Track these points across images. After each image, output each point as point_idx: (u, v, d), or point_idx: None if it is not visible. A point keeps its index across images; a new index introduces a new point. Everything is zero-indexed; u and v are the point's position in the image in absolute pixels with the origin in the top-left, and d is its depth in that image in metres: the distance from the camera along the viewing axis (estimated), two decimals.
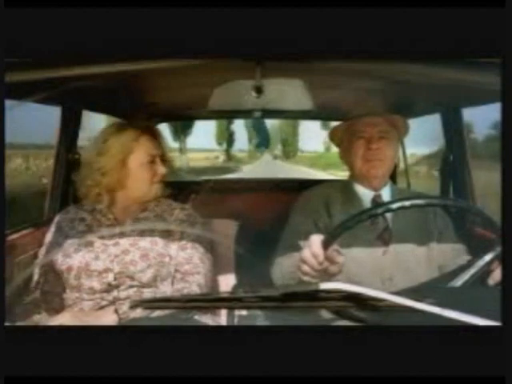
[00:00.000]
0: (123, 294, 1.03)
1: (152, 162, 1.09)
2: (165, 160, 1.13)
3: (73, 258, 1.05)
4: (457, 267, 0.92)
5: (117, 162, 1.06)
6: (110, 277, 1.03)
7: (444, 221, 1.15)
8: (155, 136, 1.12)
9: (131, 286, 1.03)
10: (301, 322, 0.61)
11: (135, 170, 1.07)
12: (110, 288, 1.03)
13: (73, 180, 1.50)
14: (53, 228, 1.15)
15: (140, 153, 1.07)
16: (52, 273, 1.09)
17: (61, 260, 1.06)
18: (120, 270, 1.03)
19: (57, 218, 1.16)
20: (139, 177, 1.08)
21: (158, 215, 1.13)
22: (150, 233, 1.08)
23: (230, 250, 1.30)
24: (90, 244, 1.06)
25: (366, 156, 1.12)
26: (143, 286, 1.04)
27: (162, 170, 1.10)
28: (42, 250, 1.14)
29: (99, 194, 1.09)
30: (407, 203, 0.80)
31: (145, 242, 1.07)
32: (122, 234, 1.08)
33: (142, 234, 1.08)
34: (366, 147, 1.12)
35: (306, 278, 0.84)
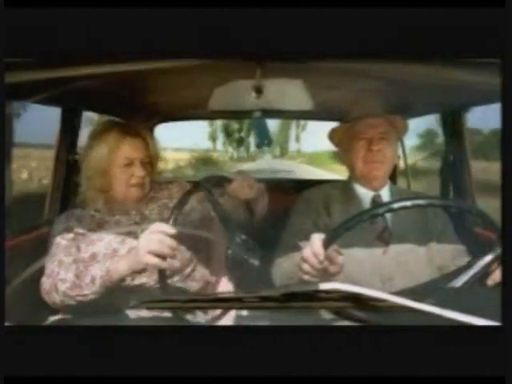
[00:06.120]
0: None
1: (130, 164, 1.09)
2: (147, 162, 1.12)
3: (96, 245, 1.04)
4: (457, 267, 0.92)
5: (98, 167, 1.08)
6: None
7: (444, 221, 1.14)
8: (141, 138, 1.11)
9: None
10: (301, 321, 0.61)
11: (113, 173, 1.09)
12: None
13: (73, 180, 1.51)
14: (65, 222, 1.11)
15: (118, 157, 1.08)
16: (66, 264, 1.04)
17: (83, 248, 1.04)
18: None
19: (72, 212, 1.13)
20: (117, 179, 1.10)
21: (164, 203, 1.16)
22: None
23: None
24: (112, 232, 1.07)
25: (367, 157, 1.12)
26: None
27: (139, 172, 1.09)
28: (58, 242, 1.08)
29: (92, 196, 1.12)
30: (409, 203, 0.80)
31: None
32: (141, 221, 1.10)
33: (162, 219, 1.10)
34: (366, 148, 1.12)
35: (306, 277, 0.84)
